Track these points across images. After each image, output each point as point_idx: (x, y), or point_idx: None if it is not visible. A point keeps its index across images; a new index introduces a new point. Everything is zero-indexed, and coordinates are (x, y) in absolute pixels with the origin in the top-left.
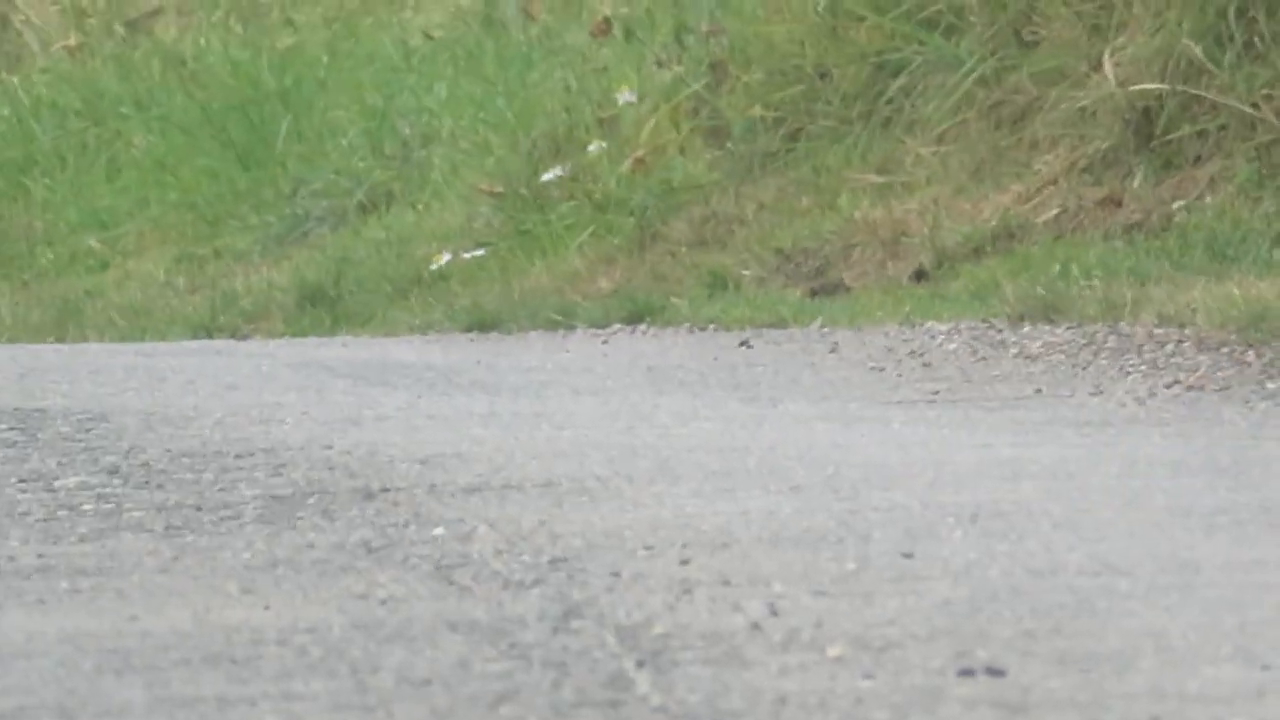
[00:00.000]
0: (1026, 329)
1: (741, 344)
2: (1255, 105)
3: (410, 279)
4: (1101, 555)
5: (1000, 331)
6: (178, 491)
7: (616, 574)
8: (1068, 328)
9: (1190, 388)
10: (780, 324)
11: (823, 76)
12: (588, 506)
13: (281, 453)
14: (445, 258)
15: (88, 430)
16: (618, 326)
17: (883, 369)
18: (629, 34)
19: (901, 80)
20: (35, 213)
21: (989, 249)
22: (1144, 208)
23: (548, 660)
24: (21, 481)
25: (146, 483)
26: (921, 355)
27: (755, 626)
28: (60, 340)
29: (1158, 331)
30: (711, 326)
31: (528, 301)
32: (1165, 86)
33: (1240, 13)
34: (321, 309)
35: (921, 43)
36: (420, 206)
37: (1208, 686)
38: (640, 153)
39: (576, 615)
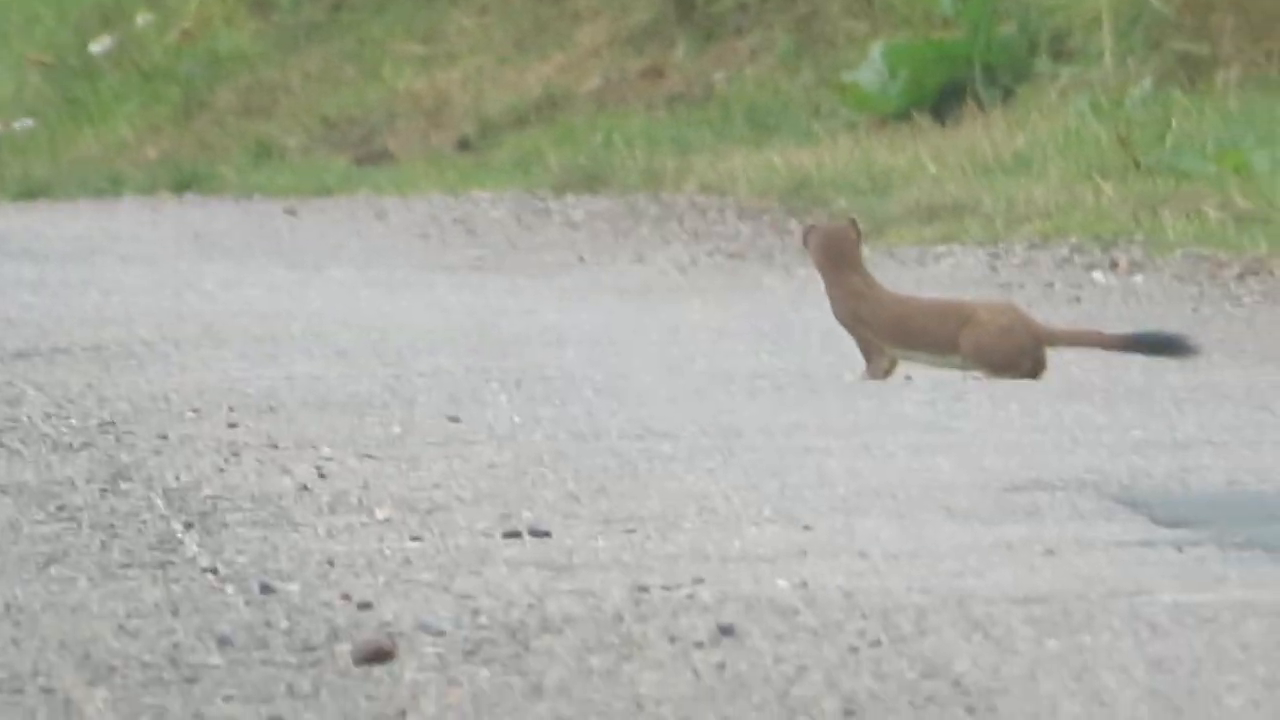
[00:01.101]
0: (570, 198)
1: (287, 211)
2: None
3: None
4: (644, 420)
5: (544, 200)
6: None
7: (164, 437)
8: (610, 197)
9: (731, 255)
10: (326, 192)
11: None
12: (135, 371)
13: None
14: None
15: None
16: (165, 195)
17: (428, 236)
18: None
19: None
20: None
21: (532, 118)
22: (686, 79)
23: (97, 522)
24: None
25: None
26: (466, 223)
27: (303, 489)
28: None
29: (699, 200)
30: (257, 195)
31: (76, 170)
32: None
33: None
34: None
35: None
36: None
37: (750, 547)
38: (187, 24)
39: (125, 477)
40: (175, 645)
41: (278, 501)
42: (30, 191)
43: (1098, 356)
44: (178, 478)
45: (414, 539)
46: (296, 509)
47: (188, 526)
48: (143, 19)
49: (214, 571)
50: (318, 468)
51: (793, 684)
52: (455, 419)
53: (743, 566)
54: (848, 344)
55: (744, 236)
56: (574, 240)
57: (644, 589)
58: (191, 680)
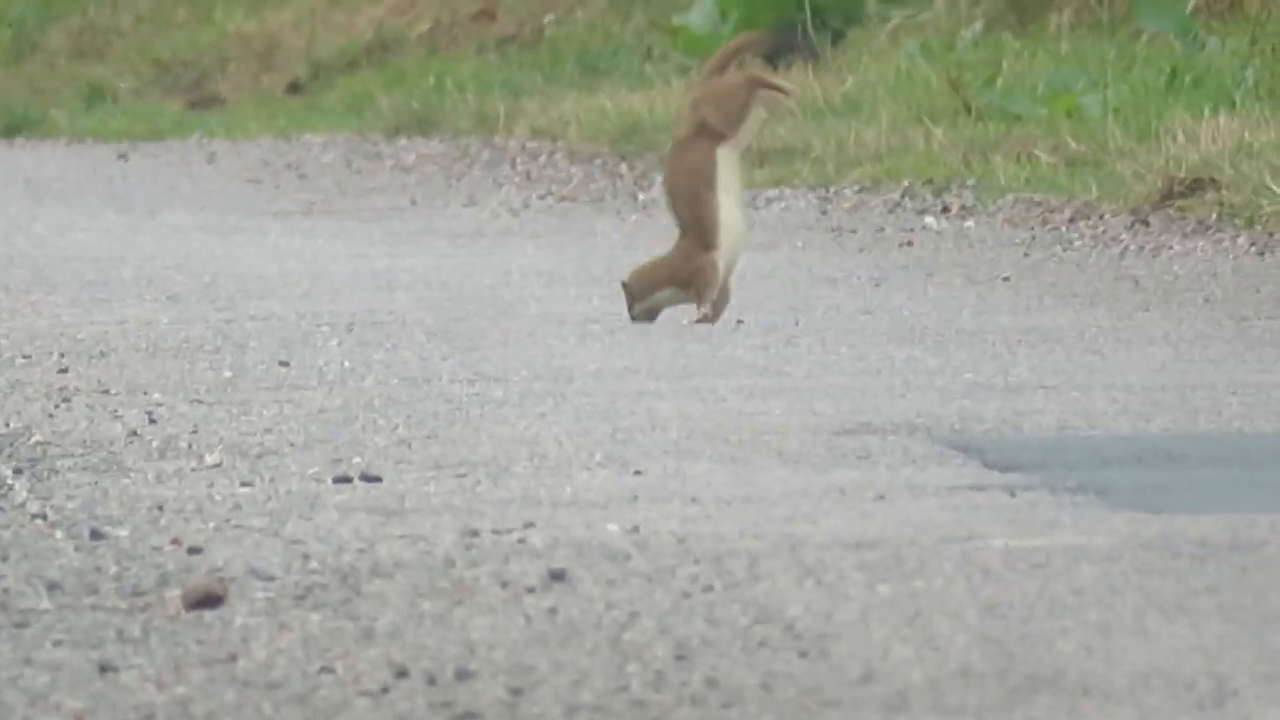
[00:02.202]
0: (402, 141)
1: (120, 156)
2: None
3: None
4: (475, 364)
5: (375, 144)
6: None
7: None
8: (442, 140)
9: (563, 199)
10: (158, 136)
11: None
12: None
13: None
14: None
15: None
16: None
17: (260, 181)
18: None
19: None
20: None
21: (364, 62)
22: (516, 21)
23: None
24: None
25: None
26: (298, 167)
27: (133, 434)
28: None
29: (530, 144)
30: (89, 139)
31: None
32: None
33: None
34: None
35: None
36: None
37: (581, 491)
38: None
39: None
40: (4, 590)
41: (108, 447)
42: None
43: (927, 297)
44: (7, 423)
45: (244, 484)
46: (127, 454)
47: (17, 472)
48: None
49: (43, 517)
50: (148, 413)
51: (625, 629)
52: (286, 364)
53: (574, 511)
54: None
55: (576, 180)
56: (405, 184)
57: (475, 534)
58: (21, 625)
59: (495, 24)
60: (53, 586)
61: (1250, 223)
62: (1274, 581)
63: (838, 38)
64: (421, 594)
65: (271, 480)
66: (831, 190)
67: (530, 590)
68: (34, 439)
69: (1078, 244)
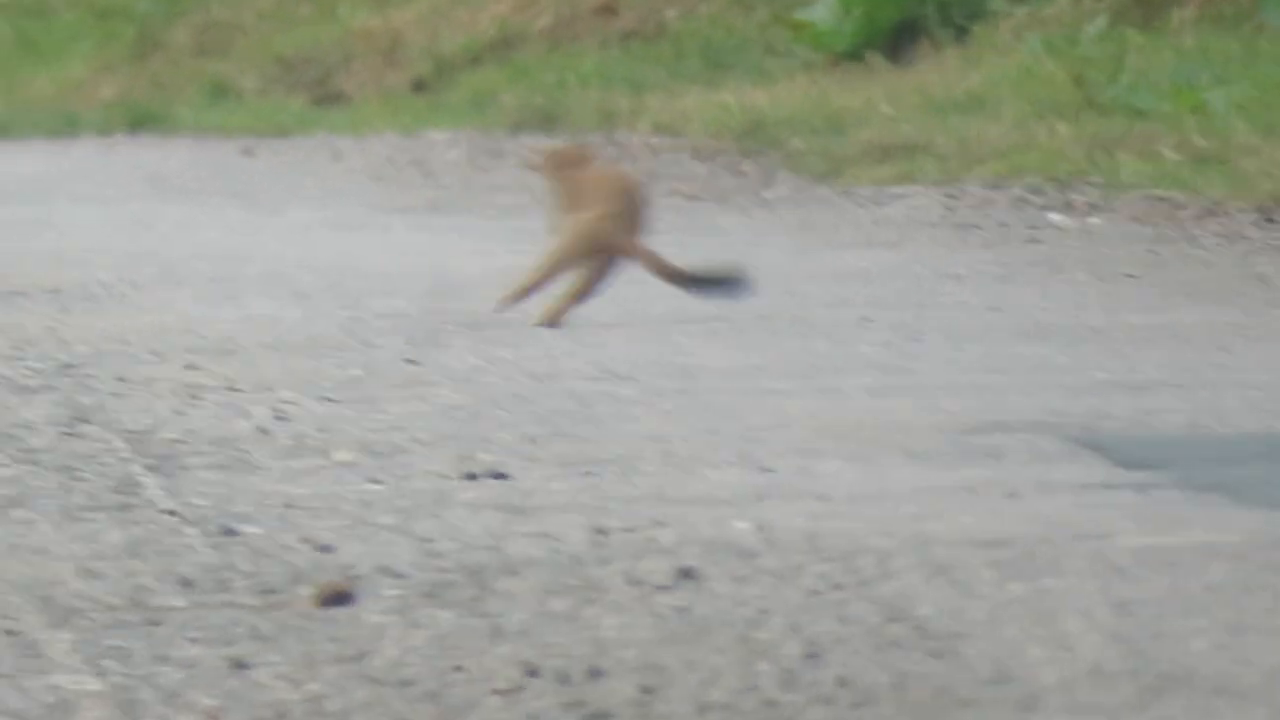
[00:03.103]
0: (525, 138)
1: (244, 152)
2: None
3: None
4: (603, 361)
5: (498, 140)
6: None
7: (124, 379)
8: (565, 136)
9: (687, 196)
10: (282, 132)
11: None
12: (94, 312)
13: None
14: None
15: None
16: (120, 134)
17: (384, 177)
18: None
19: None
20: None
21: (487, 58)
22: (639, 15)
23: (57, 464)
24: None
25: None
26: (422, 164)
27: (262, 431)
28: None
29: (654, 140)
30: (214, 135)
31: (31, 110)
32: None
33: None
34: None
35: None
36: None
37: (709, 489)
38: None
39: (85, 420)
40: (138, 587)
41: (237, 444)
42: None
43: (1053, 293)
44: (138, 420)
45: (373, 482)
46: (256, 451)
47: (149, 469)
48: None
49: (175, 514)
50: (276, 410)
51: (755, 627)
52: (413, 361)
53: (703, 509)
54: (804, 285)
55: (700, 177)
56: (528, 181)
57: (604, 531)
58: (154, 623)
59: (617, 19)
60: (185, 583)
61: None
62: None
63: (961, 34)
64: (551, 592)
65: (400, 478)
66: (956, 186)
67: (660, 588)
68: (164, 436)
69: (1204, 241)
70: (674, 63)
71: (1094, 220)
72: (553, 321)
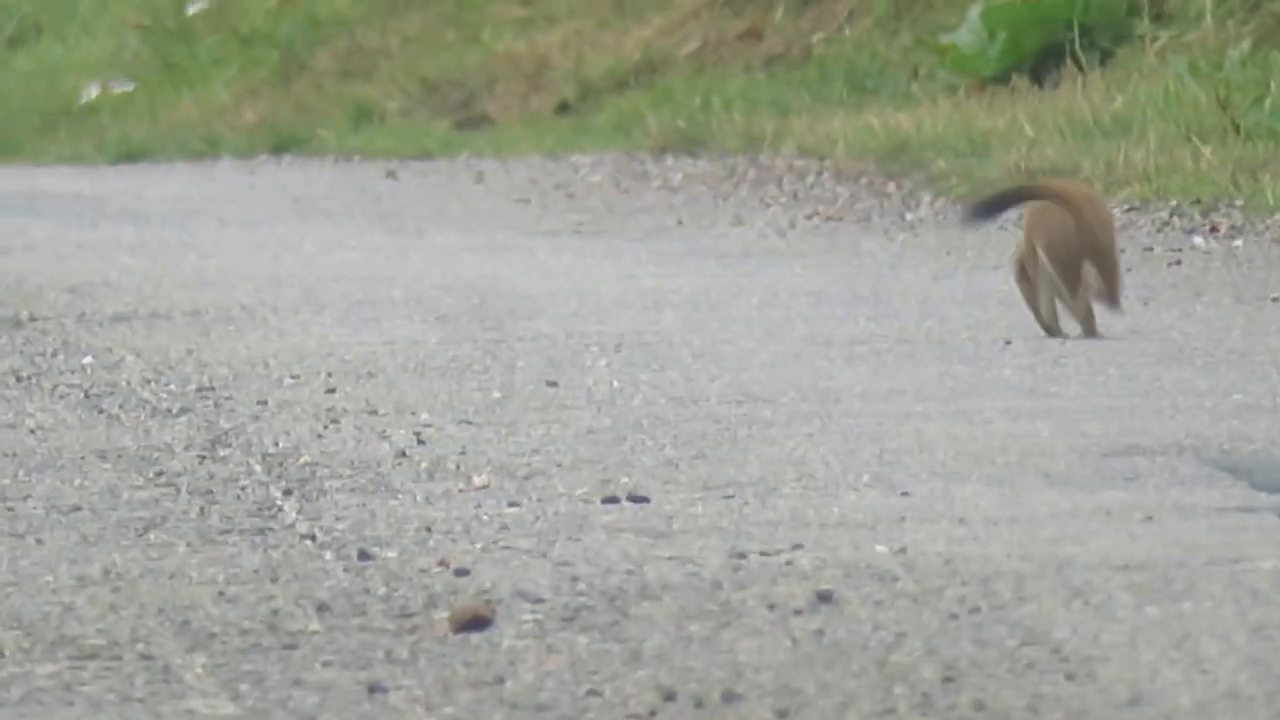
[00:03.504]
0: (669, 161)
1: (387, 175)
2: None
3: (59, 111)
4: (743, 384)
5: (643, 163)
6: None
7: (263, 402)
8: (709, 160)
9: (830, 219)
10: (425, 155)
11: None
12: (234, 335)
13: None
14: (94, 90)
15: None
16: (264, 157)
17: (528, 200)
18: None
19: None
20: None
21: (631, 82)
22: (784, 40)
23: (195, 488)
24: None
25: None
26: (566, 187)
27: (401, 455)
28: None
29: (798, 163)
30: (357, 157)
31: (175, 133)
32: None
33: None
34: None
35: None
36: (69, 39)
37: (849, 513)
38: None
39: (223, 443)
40: (274, 611)
41: (376, 467)
42: (129, 154)
43: (1195, 316)
44: (276, 443)
45: (512, 505)
46: (395, 475)
47: (286, 493)
48: None
49: (312, 538)
50: (416, 433)
51: (892, 651)
52: (554, 384)
53: (841, 533)
54: (946, 308)
55: (842, 199)
56: (672, 204)
57: (742, 555)
58: (290, 646)
59: (763, 43)
60: (322, 607)
61: None
62: None
63: (1106, 57)
64: (689, 616)
65: (539, 501)
66: None
67: (797, 612)
68: (303, 459)
69: None
70: (819, 86)
71: (1237, 243)
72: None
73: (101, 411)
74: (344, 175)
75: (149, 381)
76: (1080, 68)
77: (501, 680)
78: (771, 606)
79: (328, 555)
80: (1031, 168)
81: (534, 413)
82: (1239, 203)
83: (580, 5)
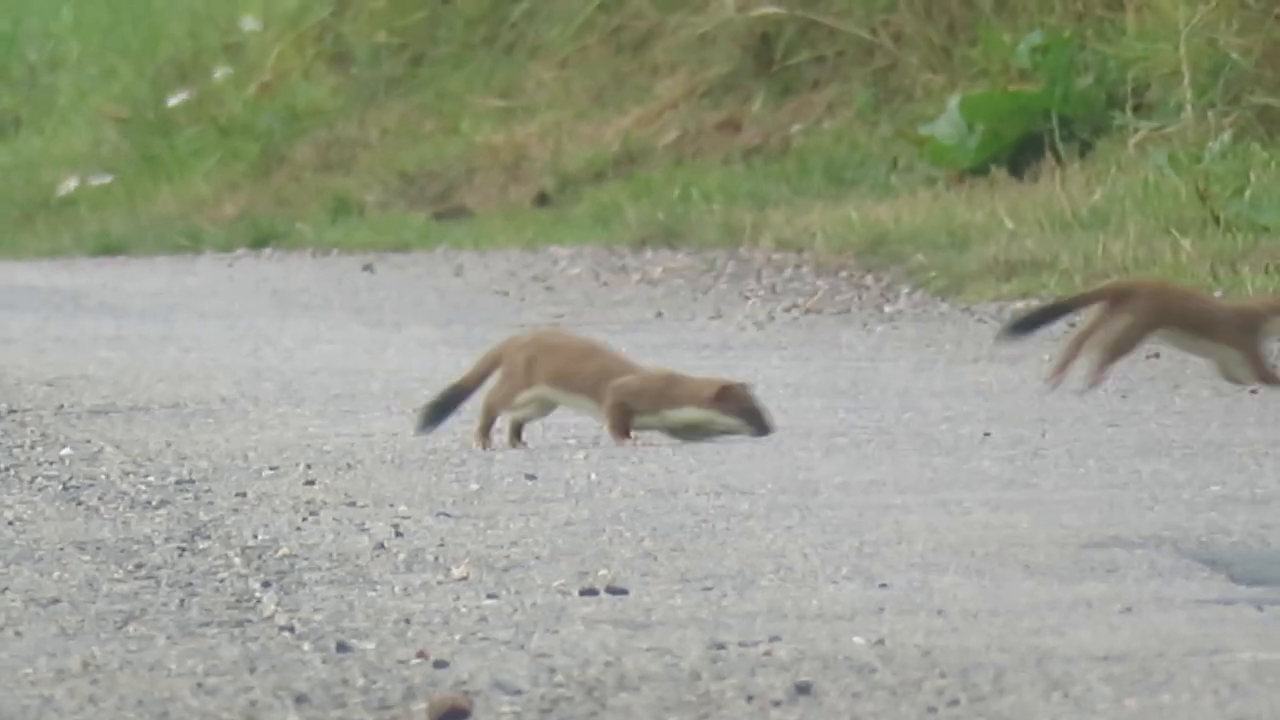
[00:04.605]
0: (648, 253)
1: (365, 268)
2: (873, 31)
3: (37, 204)
4: (721, 476)
5: (622, 256)
6: None
7: (242, 495)
8: (688, 252)
9: (809, 311)
10: (404, 248)
11: (445, 2)
12: (213, 428)
13: None
14: (72, 183)
15: None
16: (243, 250)
17: (507, 293)
18: None
19: (524, 5)
20: None
21: (610, 173)
22: (763, 132)
23: (175, 580)
24: None
25: None
26: (544, 279)
27: (380, 547)
28: None
29: (776, 256)
30: (335, 250)
31: (154, 226)
32: (783, 12)
33: None
34: None
35: None
36: (47, 132)
37: (827, 604)
38: (265, 78)
39: (203, 535)
40: (253, 703)
41: (355, 560)
42: (108, 247)
43: (1174, 409)
44: (255, 536)
45: (490, 597)
46: (373, 567)
47: (265, 585)
48: (220, 73)
49: (291, 630)
50: (395, 525)
51: None
52: (532, 476)
53: (820, 624)
54: (924, 400)
55: (821, 292)
56: (652, 297)
57: (721, 647)
58: None
59: (741, 134)
60: (300, 699)
61: None
62: None
63: (1085, 149)
64: (668, 708)
65: (517, 593)
66: None
67: (776, 704)
68: (281, 551)
69: None
70: (797, 178)
71: None
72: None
73: (80, 504)
74: (323, 268)
75: (128, 474)
76: (1059, 159)
77: None
78: (750, 698)
79: (306, 647)
80: (1010, 260)
81: (512, 505)
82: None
83: (559, 96)
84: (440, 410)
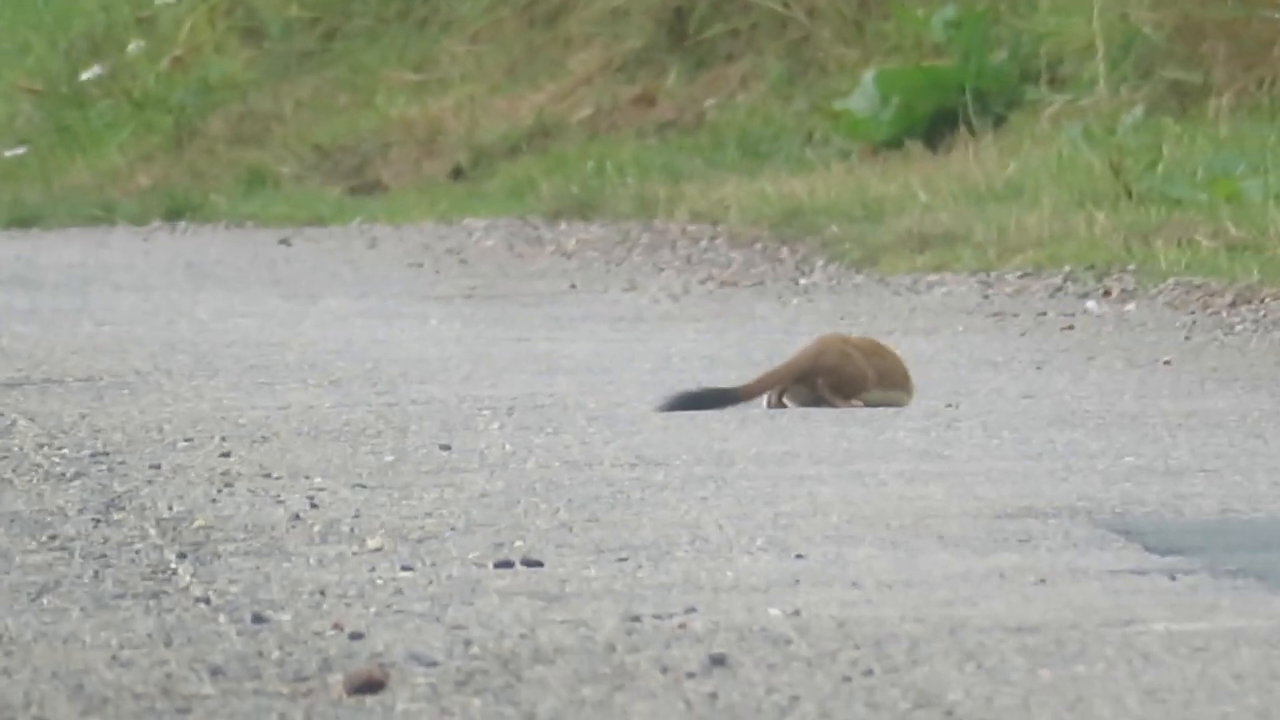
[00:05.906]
0: (563, 226)
1: (281, 241)
2: (785, 4)
3: None
4: (637, 448)
5: (537, 229)
6: None
7: (157, 467)
8: (603, 225)
9: (724, 284)
10: (319, 221)
11: None
12: (128, 400)
13: None
14: None
15: None
16: (158, 223)
17: (421, 265)
18: None
19: None
20: None
21: (525, 147)
22: (677, 106)
23: (89, 552)
24: None
25: None
26: (459, 252)
27: (295, 518)
28: None
29: (691, 228)
30: (250, 223)
31: (68, 198)
32: None
33: None
34: None
35: None
36: None
37: (743, 576)
38: (178, 51)
39: (118, 507)
40: (168, 675)
41: (270, 531)
42: (22, 219)
43: (1088, 380)
44: (170, 507)
45: (406, 569)
46: (289, 539)
47: (180, 556)
48: (134, 46)
49: (206, 601)
50: (310, 497)
51: (785, 714)
52: (447, 447)
53: (735, 596)
54: None
55: (736, 265)
56: (566, 269)
57: (636, 619)
58: (184, 711)
59: (656, 109)
60: (215, 671)
61: None
62: None
63: (999, 122)
64: (583, 680)
65: (433, 565)
66: (993, 275)
67: (691, 675)
68: (197, 523)
69: (1239, 328)
70: (712, 152)
71: (1129, 308)
72: None
73: None
74: (237, 242)
75: (42, 446)
76: (973, 133)
77: None
78: (665, 670)
79: (222, 619)
80: (924, 233)
81: (427, 476)
82: (1131, 267)
83: (473, 70)
84: (697, 403)
